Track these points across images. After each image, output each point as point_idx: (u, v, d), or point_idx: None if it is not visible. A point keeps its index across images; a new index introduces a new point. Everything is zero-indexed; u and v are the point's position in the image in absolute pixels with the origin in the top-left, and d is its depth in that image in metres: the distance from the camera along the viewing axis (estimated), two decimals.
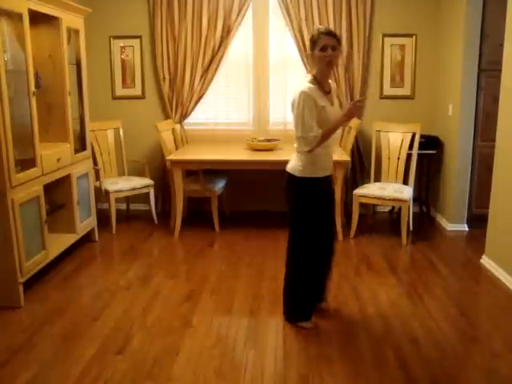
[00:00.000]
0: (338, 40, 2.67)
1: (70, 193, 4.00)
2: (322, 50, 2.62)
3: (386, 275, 3.72)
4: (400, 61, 5.16)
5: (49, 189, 3.69)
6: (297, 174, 2.77)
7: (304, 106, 2.62)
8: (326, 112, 2.68)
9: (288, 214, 2.90)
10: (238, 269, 3.84)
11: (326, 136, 2.68)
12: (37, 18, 3.48)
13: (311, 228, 2.83)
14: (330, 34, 2.64)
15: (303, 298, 2.95)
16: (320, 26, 2.76)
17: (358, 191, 4.55)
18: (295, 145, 2.81)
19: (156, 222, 4.99)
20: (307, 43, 4.94)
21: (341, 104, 5.03)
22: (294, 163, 2.81)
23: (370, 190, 4.54)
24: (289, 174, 2.83)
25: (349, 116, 2.68)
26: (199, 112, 5.32)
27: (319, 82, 2.72)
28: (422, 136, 4.67)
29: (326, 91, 2.76)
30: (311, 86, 2.68)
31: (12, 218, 3.09)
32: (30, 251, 3.30)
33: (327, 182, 2.88)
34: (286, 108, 5.15)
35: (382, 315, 3.10)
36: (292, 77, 5.18)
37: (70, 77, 3.96)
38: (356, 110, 2.69)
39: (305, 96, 2.63)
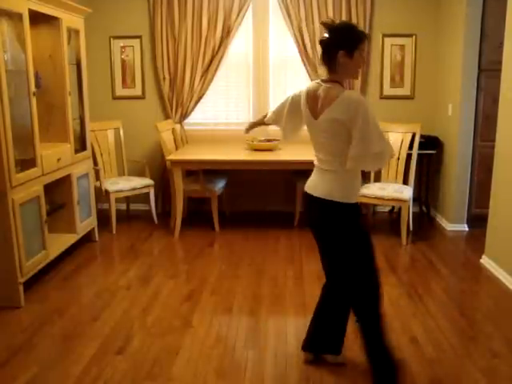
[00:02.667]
0: None
1: (70, 193, 4.01)
2: (362, 56, 2.20)
3: (386, 275, 3.72)
4: (400, 61, 5.16)
5: (49, 189, 3.69)
6: (339, 199, 2.22)
7: (373, 116, 2.09)
8: None
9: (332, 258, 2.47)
10: (237, 269, 3.84)
11: None
12: (37, 18, 3.48)
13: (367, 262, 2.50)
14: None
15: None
16: (357, 27, 2.25)
17: None
18: (348, 165, 2.14)
19: (156, 221, 5.00)
20: (307, 43, 4.96)
21: None
22: (330, 186, 2.24)
23: (369, 189, 4.54)
24: (325, 200, 2.24)
25: None
26: (199, 112, 5.33)
27: None
28: (421, 136, 4.66)
29: None
30: None
31: (12, 218, 3.10)
32: (30, 251, 3.30)
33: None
34: None
35: (382, 315, 3.09)
36: (292, 77, 5.19)
37: (70, 77, 3.96)
38: None
39: (367, 105, 2.11)
